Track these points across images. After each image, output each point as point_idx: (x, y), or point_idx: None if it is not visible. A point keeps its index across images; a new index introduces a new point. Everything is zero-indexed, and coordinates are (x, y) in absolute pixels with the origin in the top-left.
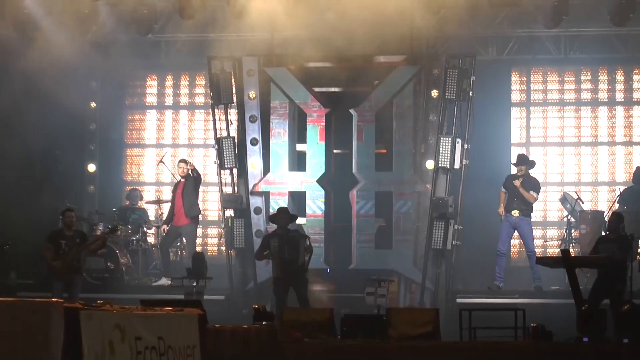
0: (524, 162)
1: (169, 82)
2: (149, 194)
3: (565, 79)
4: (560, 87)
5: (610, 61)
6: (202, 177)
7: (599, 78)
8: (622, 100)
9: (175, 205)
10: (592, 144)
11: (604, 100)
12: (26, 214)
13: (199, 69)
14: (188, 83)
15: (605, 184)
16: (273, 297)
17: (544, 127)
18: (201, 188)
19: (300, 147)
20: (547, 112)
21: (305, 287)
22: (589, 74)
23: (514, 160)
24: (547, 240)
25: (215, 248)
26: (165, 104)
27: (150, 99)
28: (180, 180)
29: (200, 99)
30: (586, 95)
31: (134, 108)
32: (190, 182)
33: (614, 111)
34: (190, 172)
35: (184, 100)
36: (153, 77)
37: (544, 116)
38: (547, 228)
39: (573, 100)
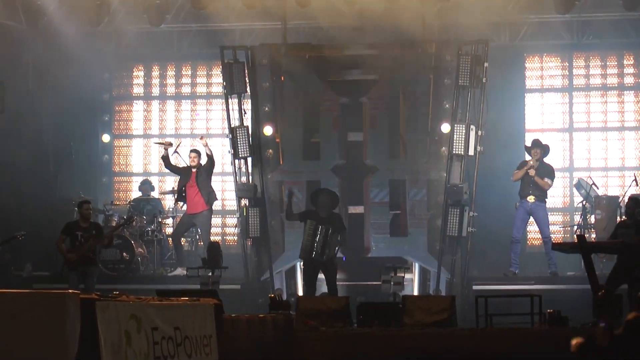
0: (539, 145)
1: (186, 72)
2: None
3: (575, 64)
4: (566, 73)
5: (623, 46)
6: (214, 161)
7: (609, 63)
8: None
9: (188, 194)
10: (602, 129)
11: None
12: (41, 205)
13: (213, 58)
14: (205, 73)
15: (616, 169)
16: (289, 287)
17: (562, 112)
18: (221, 177)
19: (313, 136)
20: (563, 97)
21: (333, 276)
22: (598, 60)
23: (528, 144)
24: (559, 226)
25: (234, 238)
26: (186, 94)
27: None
28: (192, 170)
29: (217, 89)
30: (596, 81)
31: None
32: (203, 171)
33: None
34: (202, 158)
35: (200, 89)
36: (168, 67)
37: (561, 101)
38: (553, 214)
39: (583, 86)
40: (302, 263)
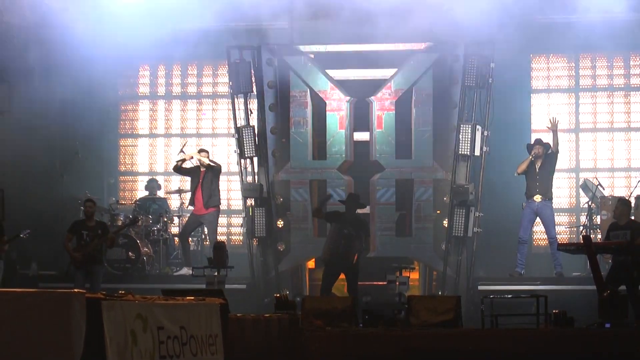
0: (540, 142)
1: (192, 71)
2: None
3: (581, 64)
4: (573, 73)
5: (629, 47)
6: (220, 167)
7: (615, 64)
8: None
9: (196, 194)
10: (608, 130)
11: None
12: (48, 204)
13: (219, 58)
14: (211, 73)
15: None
16: (294, 286)
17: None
18: (226, 177)
19: (320, 135)
20: (571, 98)
21: (355, 280)
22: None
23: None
24: (565, 226)
25: (240, 237)
26: (192, 94)
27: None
28: (200, 170)
29: (223, 88)
30: (603, 82)
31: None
32: (210, 172)
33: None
34: (207, 162)
35: (207, 89)
36: (174, 67)
37: (568, 102)
38: (559, 214)
39: (589, 86)
40: (323, 263)
